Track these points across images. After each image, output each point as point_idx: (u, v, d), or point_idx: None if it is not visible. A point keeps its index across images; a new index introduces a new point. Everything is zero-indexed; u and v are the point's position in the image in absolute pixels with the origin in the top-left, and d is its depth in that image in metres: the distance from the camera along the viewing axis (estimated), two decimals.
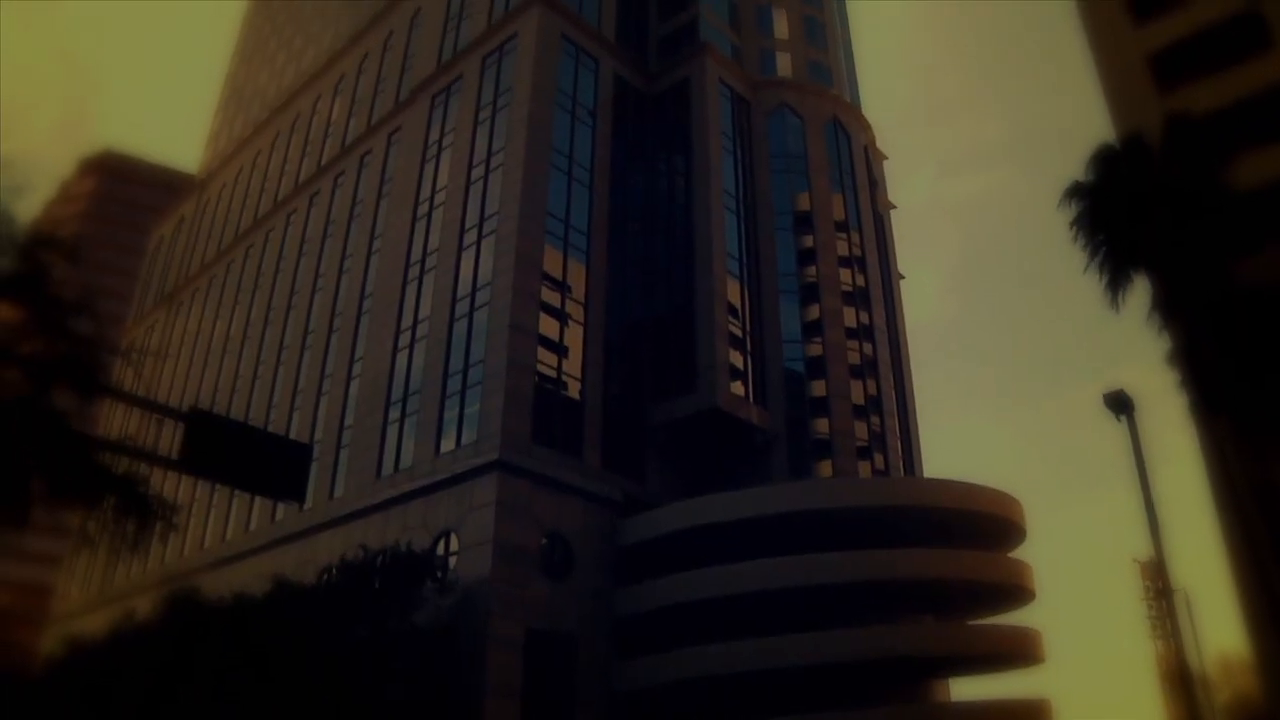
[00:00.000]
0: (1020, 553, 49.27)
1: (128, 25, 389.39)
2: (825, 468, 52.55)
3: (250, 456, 18.47)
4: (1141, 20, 34.34)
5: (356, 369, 56.56)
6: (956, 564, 44.73)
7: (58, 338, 17.70)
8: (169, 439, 58.71)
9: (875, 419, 56.24)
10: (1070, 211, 28.69)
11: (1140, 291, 27.73)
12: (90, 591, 77.13)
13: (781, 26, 67.63)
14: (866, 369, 56.99)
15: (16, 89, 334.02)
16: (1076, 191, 28.61)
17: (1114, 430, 23.52)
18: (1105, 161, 28.25)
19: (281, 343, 66.66)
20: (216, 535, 63.23)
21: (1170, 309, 26.69)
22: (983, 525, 46.64)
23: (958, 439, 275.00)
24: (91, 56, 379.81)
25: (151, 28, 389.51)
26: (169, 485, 62.14)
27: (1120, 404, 23.66)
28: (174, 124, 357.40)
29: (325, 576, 42.04)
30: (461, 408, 46.76)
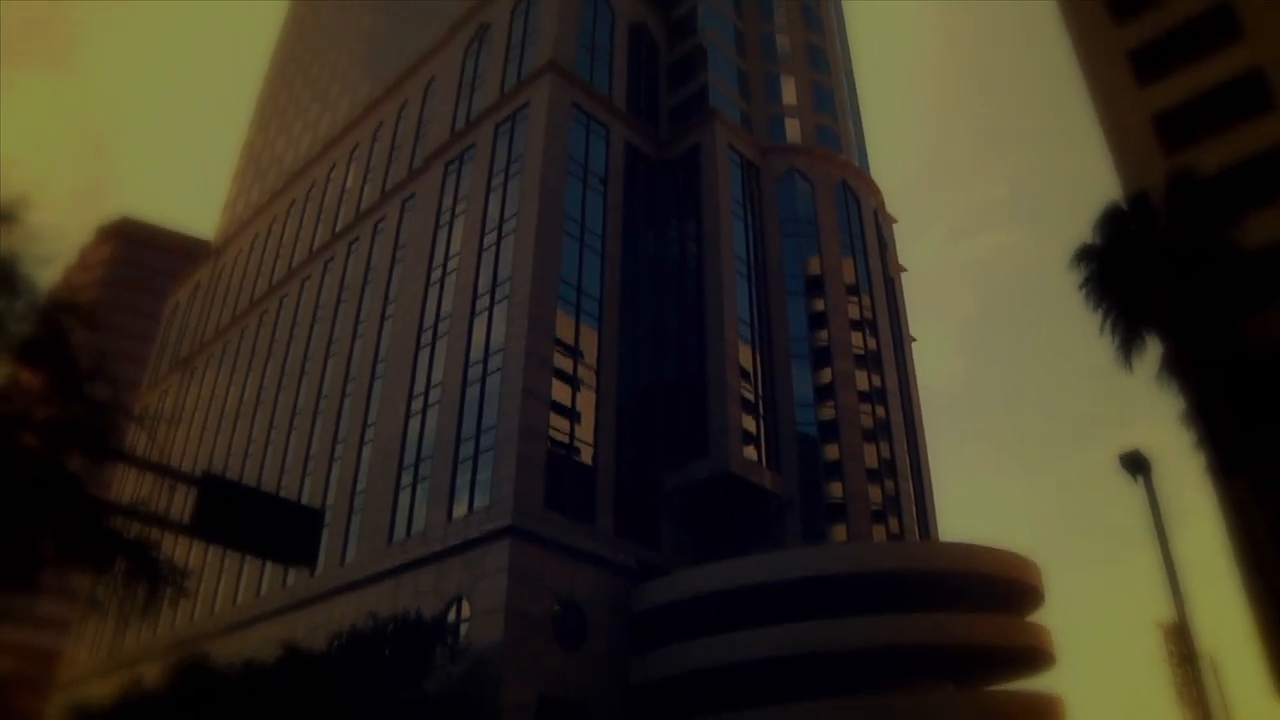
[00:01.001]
0: (1039, 616, 48.61)
1: (147, 94, 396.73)
2: (840, 532, 52.15)
3: (262, 521, 18.45)
4: (1145, 82, 34.77)
5: (369, 434, 56.60)
6: (974, 629, 44.14)
7: (74, 402, 17.77)
8: (181, 503, 58.70)
9: (889, 482, 55.93)
10: (1080, 274, 28.76)
11: (1153, 350, 27.66)
12: (98, 657, 76.57)
13: (790, 93, 68.50)
14: (879, 432, 56.80)
15: (37, 155, 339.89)
16: (1085, 254, 28.70)
17: (1133, 489, 23.20)
18: (1113, 222, 28.38)
19: (295, 407, 66.86)
20: (227, 600, 62.90)
21: (1182, 368, 26.59)
22: (1000, 589, 46.07)
23: (973, 500, 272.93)
24: (111, 124, 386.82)
25: (170, 97, 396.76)
26: (180, 549, 61.99)
27: (1136, 465, 23.43)
28: (191, 192, 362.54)
29: (336, 643, 41.72)
30: (474, 473, 46.66)
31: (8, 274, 16.98)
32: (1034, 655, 45.79)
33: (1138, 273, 27.29)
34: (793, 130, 66.82)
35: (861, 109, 79.13)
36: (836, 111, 69.94)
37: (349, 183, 76.14)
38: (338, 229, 73.75)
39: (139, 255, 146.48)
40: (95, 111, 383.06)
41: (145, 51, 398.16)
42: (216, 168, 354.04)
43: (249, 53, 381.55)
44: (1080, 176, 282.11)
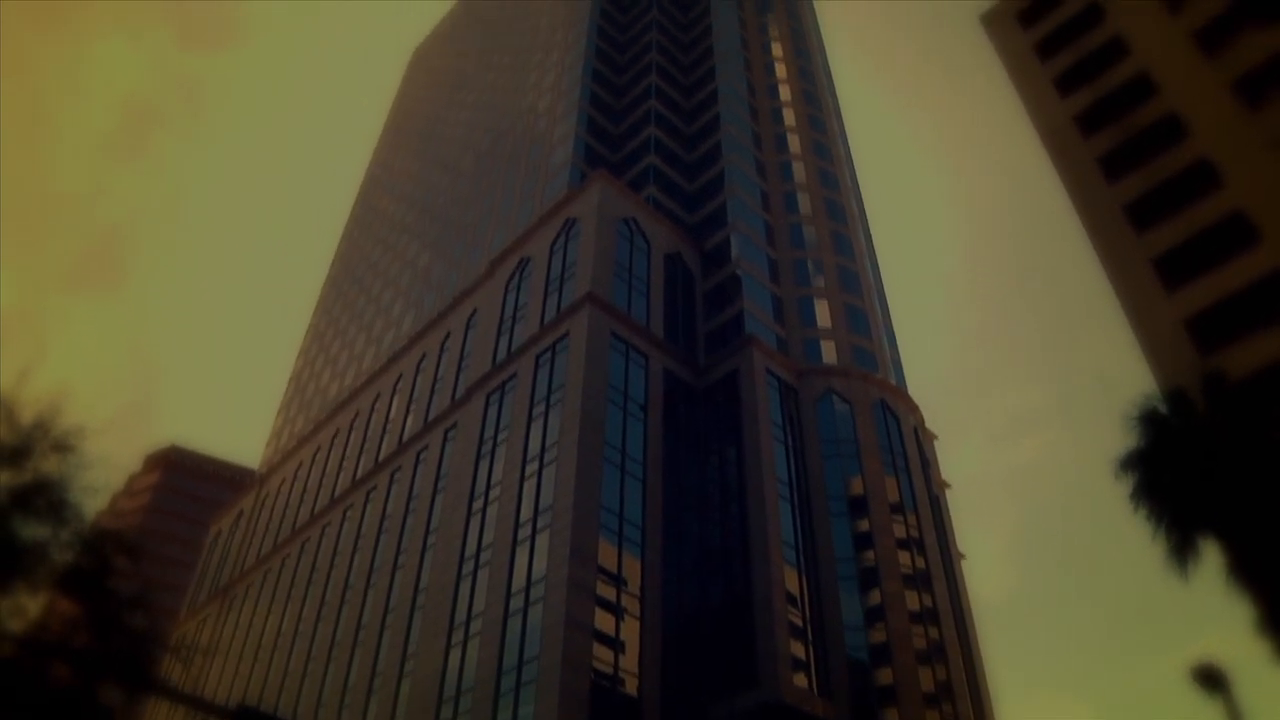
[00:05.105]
0: None
1: (197, 326, 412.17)
2: None
3: None
4: (1172, 289, 35.21)
5: (408, 666, 55.35)
6: None
7: (111, 632, 17.65)
8: None
9: (947, 706, 53.35)
10: (1126, 482, 28.09)
11: (1210, 555, 26.57)
12: None
13: (824, 316, 69.83)
14: (934, 653, 54.67)
15: (87, 376, 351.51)
16: (1130, 461, 28.12)
17: (1209, 703, 21.59)
18: (1152, 424, 27.94)
19: (333, 638, 65.79)
20: None
21: (1247, 573, 25.44)
22: None
23: None
24: (160, 348, 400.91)
25: (220, 330, 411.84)
26: None
27: (1213, 679, 21.90)
28: (238, 420, 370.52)
29: None
30: (515, 707, 45.28)
31: (56, 504, 17.24)
32: None
33: (1186, 476, 26.63)
34: (828, 351, 67.72)
35: (894, 318, 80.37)
36: (870, 331, 71.03)
37: (392, 413, 77.52)
38: (380, 459, 74.59)
39: (184, 483, 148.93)
40: (144, 336, 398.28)
41: (196, 280, 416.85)
42: (264, 396, 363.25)
43: (299, 278, 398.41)
44: (1112, 373, 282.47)
